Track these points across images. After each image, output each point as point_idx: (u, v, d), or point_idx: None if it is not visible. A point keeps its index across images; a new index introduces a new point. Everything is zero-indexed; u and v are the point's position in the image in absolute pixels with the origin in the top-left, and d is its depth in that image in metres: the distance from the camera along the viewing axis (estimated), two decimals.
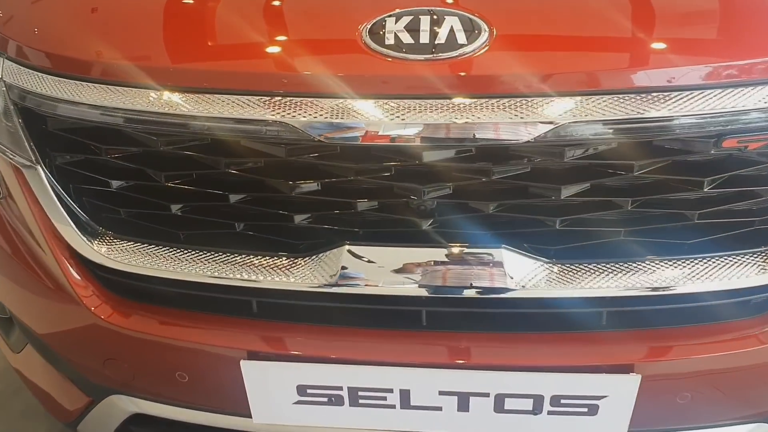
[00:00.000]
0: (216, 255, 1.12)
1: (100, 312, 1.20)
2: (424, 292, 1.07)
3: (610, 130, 0.95)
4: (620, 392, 1.10)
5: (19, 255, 1.27)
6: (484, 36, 0.98)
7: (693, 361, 1.10)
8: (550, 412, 1.14)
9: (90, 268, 1.21)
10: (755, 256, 1.06)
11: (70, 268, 1.20)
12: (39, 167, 1.14)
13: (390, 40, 0.98)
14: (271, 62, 1.02)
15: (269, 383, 1.16)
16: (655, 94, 0.95)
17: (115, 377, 1.27)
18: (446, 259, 1.06)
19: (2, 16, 1.23)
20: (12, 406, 1.99)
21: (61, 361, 1.36)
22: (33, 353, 1.50)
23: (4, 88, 1.14)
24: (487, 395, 1.12)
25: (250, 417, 1.21)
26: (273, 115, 0.97)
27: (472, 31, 0.98)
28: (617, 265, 1.05)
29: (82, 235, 1.15)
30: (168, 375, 1.22)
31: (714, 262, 1.07)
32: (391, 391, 1.14)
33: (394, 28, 0.99)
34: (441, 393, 1.13)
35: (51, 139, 1.14)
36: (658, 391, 1.12)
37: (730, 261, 1.07)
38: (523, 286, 1.04)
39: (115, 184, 1.14)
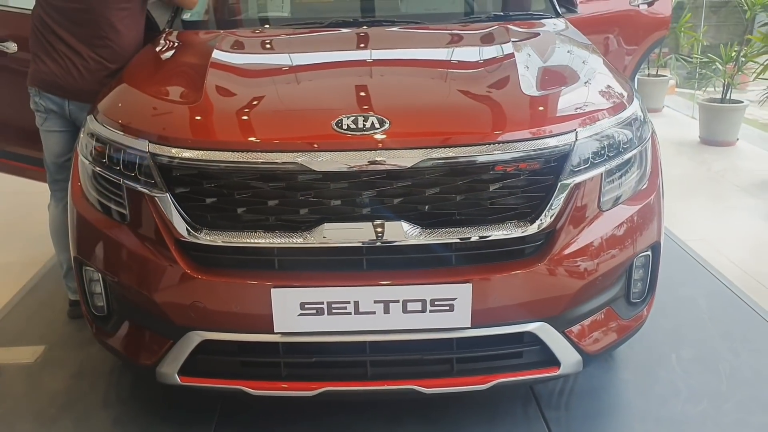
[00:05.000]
0: (257, 233, 2.24)
1: (193, 272, 2.26)
2: (365, 244, 2.21)
3: (442, 164, 2.18)
4: (463, 295, 2.21)
5: (142, 249, 2.33)
6: (387, 125, 2.22)
7: (494, 278, 2.24)
8: (431, 311, 2.23)
9: (187, 251, 2.28)
10: (514, 224, 2.26)
11: (180, 251, 2.27)
12: (168, 195, 2.26)
13: (345, 126, 2.21)
14: (296, 137, 2.25)
15: (286, 301, 2.21)
16: (456, 148, 2.19)
17: (195, 315, 2.29)
18: (374, 228, 2.21)
19: (145, 119, 2.42)
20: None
21: (154, 317, 2.36)
22: (125, 327, 2.50)
23: (150, 158, 2.28)
24: (397, 301, 2.22)
25: (273, 332, 2.25)
26: (295, 160, 2.16)
27: (383, 122, 2.22)
28: (455, 228, 2.23)
29: (190, 230, 2.25)
30: (228, 307, 2.26)
31: (497, 226, 2.26)
32: (349, 302, 2.21)
33: (347, 122, 2.22)
34: (375, 302, 2.22)
35: (172, 180, 2.27)
36: (482, 296, 2.24)
37: (505, 226, 2.25)
38: (408, 237, 2.20)
39: (208, 201, 2.26)
